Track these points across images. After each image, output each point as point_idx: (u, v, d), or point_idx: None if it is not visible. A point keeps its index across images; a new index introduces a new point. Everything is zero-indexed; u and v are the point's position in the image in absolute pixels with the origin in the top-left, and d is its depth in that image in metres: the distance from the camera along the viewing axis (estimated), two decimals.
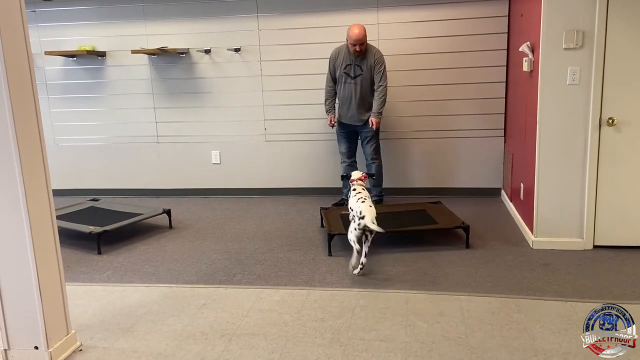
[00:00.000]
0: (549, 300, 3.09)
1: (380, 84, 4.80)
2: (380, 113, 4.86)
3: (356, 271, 3.49)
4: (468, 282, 3.39)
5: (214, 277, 3.60)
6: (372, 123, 4.83)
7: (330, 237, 3.94)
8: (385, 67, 4.82)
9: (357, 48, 4.69)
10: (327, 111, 5.07)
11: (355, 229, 3.44)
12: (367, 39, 4.77)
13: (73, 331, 2.71)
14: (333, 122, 5.05)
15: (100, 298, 3.31)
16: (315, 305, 3.11)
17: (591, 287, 3.26)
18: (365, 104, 4.89)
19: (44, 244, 2.50)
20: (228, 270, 3.71)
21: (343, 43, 4.88)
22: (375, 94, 4.83)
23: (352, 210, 3.59)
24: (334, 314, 2.99)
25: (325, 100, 5.06)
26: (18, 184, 2.37)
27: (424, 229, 4.13)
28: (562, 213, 3.87)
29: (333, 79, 4.97)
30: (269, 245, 4.21)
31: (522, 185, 4.39)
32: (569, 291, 3.21)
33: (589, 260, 3.69)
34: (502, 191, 5.39)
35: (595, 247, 3.88)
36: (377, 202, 5.00)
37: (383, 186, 5.23)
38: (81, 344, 2.74)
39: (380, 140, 5.11)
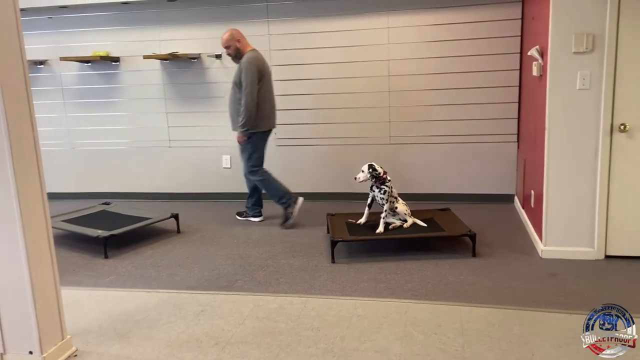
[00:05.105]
0: (553, 312, 2.99)
1: (244, 92, 4.53)
2: (243, 126, 4.58)
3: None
4: (470, 292, 3.31)
5: (215, 283, 3.59)
6: (237, 139, 4.74)
7: (334, 243, 3.89)
8: (249, 76, 4.49)
9: (226, 53, 4.74)
10: None
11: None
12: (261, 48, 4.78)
13: (68, 336, 2.73)
14: None
15: (101, 303, 3.33)
16: (312, 314, 3.07)
17: (599, 299, 3.13)
18: (233, 111, 4.72)
19: (37, 248, 2.51)
20: (230, 276, 3.70)
21: None
22: None
23: (401, 205, 4.27)
24: (330, 323, 2.95)
25: None
26: (11, 188, 2.38)
27: (430, 236, 4.05)
28: (572, 221, 3.75)
29: None
30: (273, 251, 4.19)
31: (532, 192, 4.28)
32: (575, 303, 3.10)
33: (599, 270, 3.57)
34: (515, 198, 5.28)
35: (607, 257, 3.75)
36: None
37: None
38: (76, 349, 2.75)
39: (255, 157, 4.74)
